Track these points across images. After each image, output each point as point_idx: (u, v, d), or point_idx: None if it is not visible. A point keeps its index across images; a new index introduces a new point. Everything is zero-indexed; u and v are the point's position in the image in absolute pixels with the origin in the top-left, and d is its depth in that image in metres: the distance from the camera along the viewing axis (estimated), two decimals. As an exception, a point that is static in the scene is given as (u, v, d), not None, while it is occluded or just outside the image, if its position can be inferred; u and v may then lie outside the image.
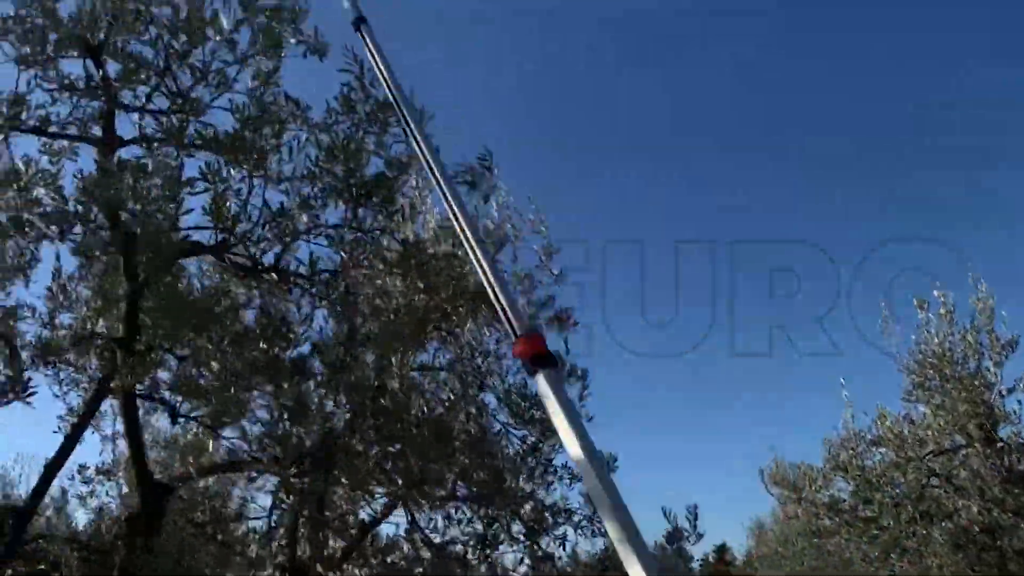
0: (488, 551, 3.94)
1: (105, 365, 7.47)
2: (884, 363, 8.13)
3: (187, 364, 6.77)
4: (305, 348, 4.36)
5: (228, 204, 4.28)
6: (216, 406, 4.28)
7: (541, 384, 1.87)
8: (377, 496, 4.21)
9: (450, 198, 2.22)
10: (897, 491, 7.70)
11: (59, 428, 8.51)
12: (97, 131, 4.61)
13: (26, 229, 4.19)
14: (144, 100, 4.29)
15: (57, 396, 7.58)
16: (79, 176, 4.99)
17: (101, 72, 4.39)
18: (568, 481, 4.86)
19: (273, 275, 4.19)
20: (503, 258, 5.06)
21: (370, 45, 2.69)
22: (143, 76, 4.18)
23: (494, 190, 4.15)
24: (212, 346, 4.01)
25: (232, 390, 3.74)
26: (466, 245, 2.09)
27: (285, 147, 4.28)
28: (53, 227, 4.18)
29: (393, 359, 4.09)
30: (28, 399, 4.45)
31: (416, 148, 2.33)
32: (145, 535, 4.42)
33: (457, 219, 2.20)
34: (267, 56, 4.03)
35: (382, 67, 2.59)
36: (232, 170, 4.20)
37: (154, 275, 4.40)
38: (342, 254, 4.09)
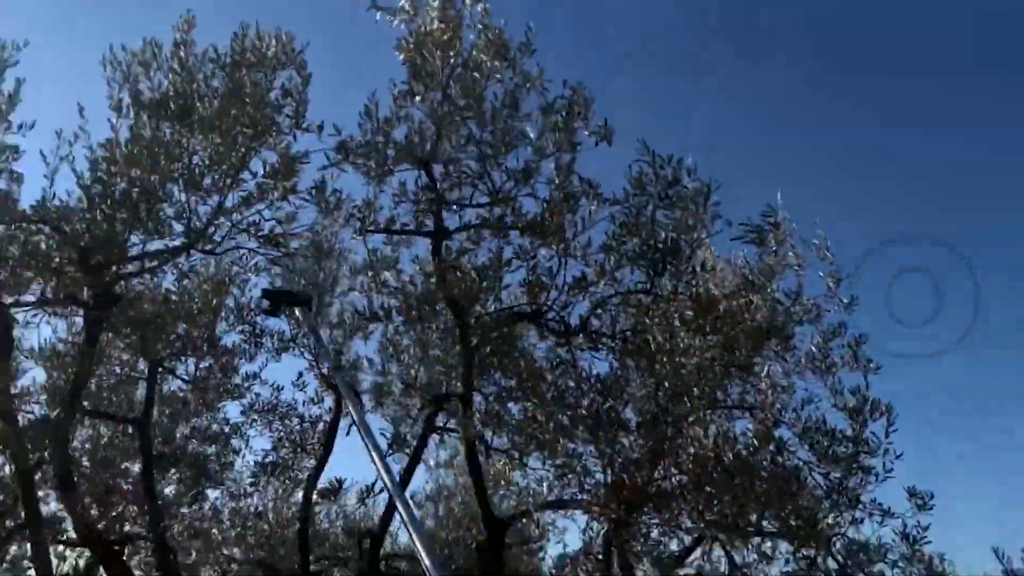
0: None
1: (429, 406, 8.71)
2: None
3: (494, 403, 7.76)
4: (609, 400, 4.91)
5: (540, 278, 5.01)
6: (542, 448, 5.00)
7: None
8: (689, 530, 4.61)
9: (378, 464, 3.35)
10: None
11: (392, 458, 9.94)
12: (429, 225, 5.59)
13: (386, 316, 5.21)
14: (468, 198, 5.15)
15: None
16: (416, 260, 6.09)
17: (430, 179, 5.36)
18: (880, 519, 4.89)
19: (581, 336, 4.82)
20: (785, 291, 5.18)
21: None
22: (467, 181, 5.04)
23: (783, 244, 4.42)
24: (538, 401, 4.70)
25: (559, 441, 4.38)
26: (399, 506, 3.24)
27: (582, 223, 4.93)
28: (411, 312, 5.14)
29: (696, 408, 4.49)
30: (407, 451, 5.47)
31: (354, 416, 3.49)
32: (492, 564, 5.23)
33: (385, 479, 3.34)
34: (564, 150, 4.69)
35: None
36: (542, 249, 4.93)
37: (484, 343, 5.27)
38: (645, 318, 4.59)
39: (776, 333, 5.03)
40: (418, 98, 5.21)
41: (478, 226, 5.28)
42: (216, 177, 5.62)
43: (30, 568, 7.65)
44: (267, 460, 8.38)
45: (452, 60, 4.89)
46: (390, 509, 8.17)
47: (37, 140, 5.69)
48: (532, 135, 4.80)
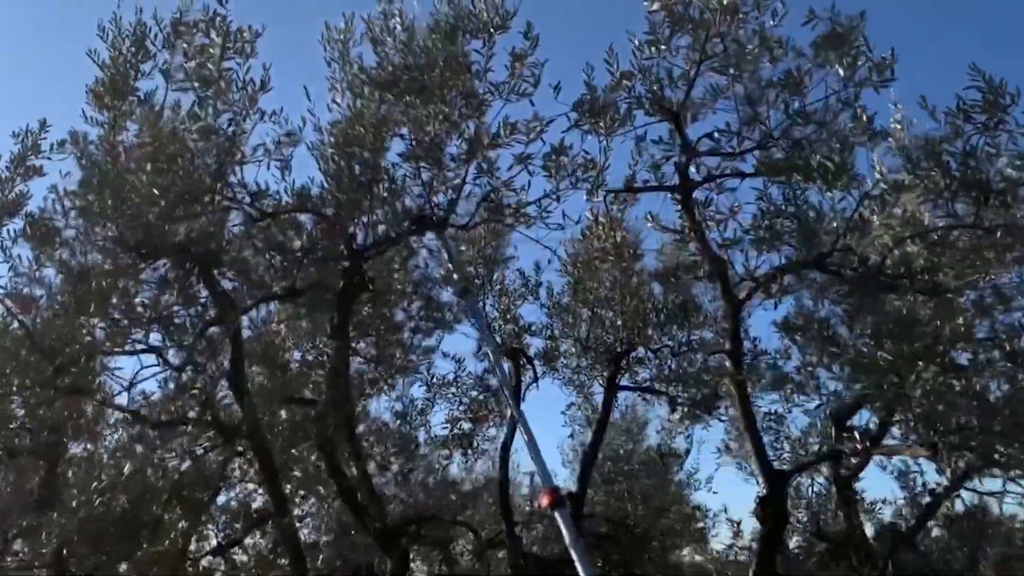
0: None
1: (610, 367, 8.64)
2: None
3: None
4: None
5: (818, 222, 4.84)
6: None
7: (558, 516, 3.52)
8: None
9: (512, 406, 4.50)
10: None
11: (565, 421, 9.99)
12: (672, 179, 5.43)
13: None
14: (732, 147, 4.97)
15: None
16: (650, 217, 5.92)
17: (679, 130, 5.18)
18: None
19: (879, 280, 4.65)
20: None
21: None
22: (729, 130, 4.86)
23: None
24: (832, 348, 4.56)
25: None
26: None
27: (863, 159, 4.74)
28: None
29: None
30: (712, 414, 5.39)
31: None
32: (776, 515, 5.16)
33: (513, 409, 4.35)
34: (859, 85, 4.47)
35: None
36: (823, 193, 4.75)
37: (750, 296, 5.16)
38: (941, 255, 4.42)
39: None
40: (663, 47, 5.02)
41: (725, 176, 5.12)
42: (446, 150, 5.51)
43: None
44: (454, 432, 8.47)
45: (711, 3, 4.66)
46: (586, 467, 8.20)
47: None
48: (808, 73, 4.58)
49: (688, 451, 6.85)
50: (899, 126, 4.72)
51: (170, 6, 5.49)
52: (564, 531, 3.51)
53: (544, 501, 3.69)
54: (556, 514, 3.61)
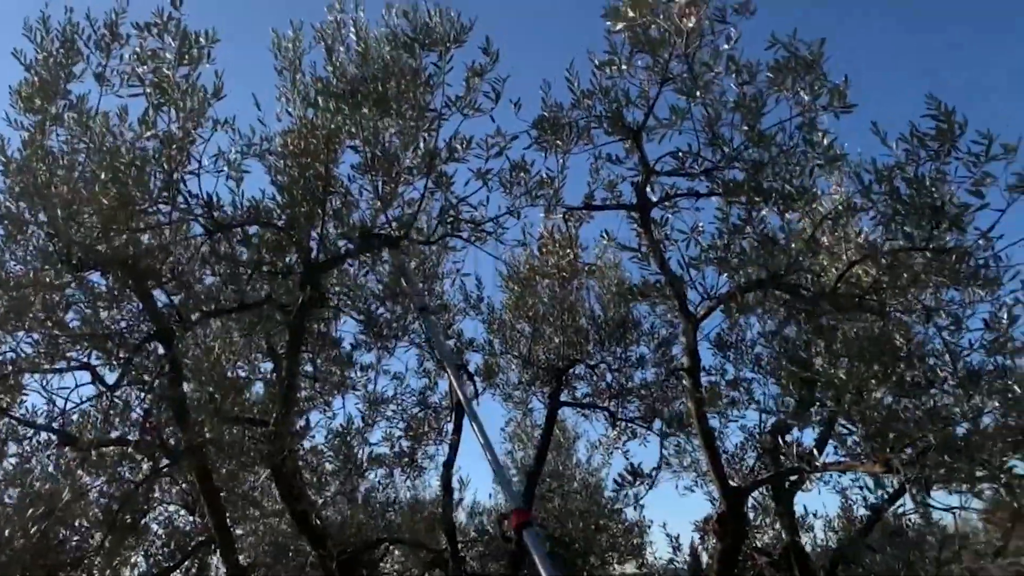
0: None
1: (551, 383, 8.67)
2: None
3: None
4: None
5: (775, 243, 4.94)
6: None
7: (527, 537, 3.56)
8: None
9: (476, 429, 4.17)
10: None
11: (504, 438, 9.88)
12: (629, 198, 5.46)
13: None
14: (688, 167, 5.03)
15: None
16: (605, 235, 5.93)
17: (639, 149, 5.22)
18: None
19: (830, 298, 4.77)
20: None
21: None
22: (686, 153, 4.93)
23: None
24: (792, 368, 4.65)
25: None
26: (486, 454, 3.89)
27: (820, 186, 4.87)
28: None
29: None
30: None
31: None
32: (735, 531, 5.22)
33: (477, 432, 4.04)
34: (811, 112, 4.59)
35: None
36: (781, 215, 4.85)
37: (708, 314, 5.21)
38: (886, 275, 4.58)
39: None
40: (624, 66, 5.05)
41: (695, 195, 5.18)
42: (402, 163, 5.39)
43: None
44: (395, 451, 8.28)
45: (676, 24, 4.71)
46: (531, 483, 8.13)
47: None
48: (768, 98, 4.69)
49: (657, 468, 6.74)
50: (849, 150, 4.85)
51: (104, 6, 5.23)
52: (533, 551, 3.51)
53: (514, 521, 3.75)
54: (525, 534, 3.63)
